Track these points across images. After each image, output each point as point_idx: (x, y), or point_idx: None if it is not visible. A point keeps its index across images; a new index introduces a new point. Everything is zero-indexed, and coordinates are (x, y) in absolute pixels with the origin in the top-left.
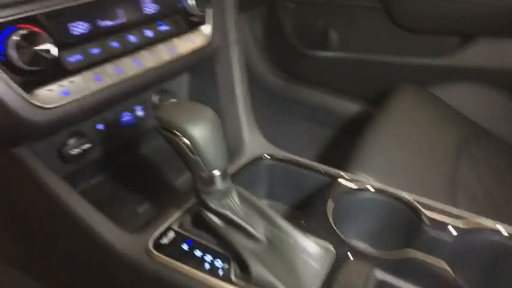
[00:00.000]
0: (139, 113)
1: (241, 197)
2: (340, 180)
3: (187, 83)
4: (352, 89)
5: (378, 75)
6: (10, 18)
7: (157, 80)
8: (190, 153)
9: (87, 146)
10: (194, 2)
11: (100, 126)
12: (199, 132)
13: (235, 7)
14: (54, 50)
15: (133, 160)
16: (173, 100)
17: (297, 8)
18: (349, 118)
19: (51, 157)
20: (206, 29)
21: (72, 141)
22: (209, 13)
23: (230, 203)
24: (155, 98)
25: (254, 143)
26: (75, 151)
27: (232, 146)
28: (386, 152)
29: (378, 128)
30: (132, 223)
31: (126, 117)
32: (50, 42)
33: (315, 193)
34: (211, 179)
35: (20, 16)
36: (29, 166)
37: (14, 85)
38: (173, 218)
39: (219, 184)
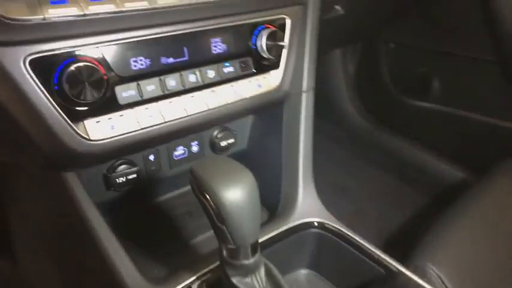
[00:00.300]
0: (195, 148)
1: (268, 274)
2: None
3: (250, 124)
4: (450, 149)
5: (483, 140)
6: (70, 50)
7: (216, 122)
8: (217, 221)
9: (133, 176)
10: (267, 45)
11: (151, 157)
12: (230, 199)
13: (314, 54)
14: (108, 84)
15: (173, 197)
16: (213, 155)
17: (396, 50)
18: (439, 182)
19: (96, 180)
20: (277, 74)
21: (120, 168)
22: (283, 58)
23: (255, 282)
24: (214, 135)
25: (307, 205)
26: (121, 179)
27: (282, 203)
28: (468, 242)
29: (467, 207)
30: (154, 270)
31: (180, 151)
32: (105, 76)
33: (367, 283)
34: (237, 252)
35: (80, 48)
36: (69, 189)
37: (63, 114)
38: (195, 277)
39: (246, 259)
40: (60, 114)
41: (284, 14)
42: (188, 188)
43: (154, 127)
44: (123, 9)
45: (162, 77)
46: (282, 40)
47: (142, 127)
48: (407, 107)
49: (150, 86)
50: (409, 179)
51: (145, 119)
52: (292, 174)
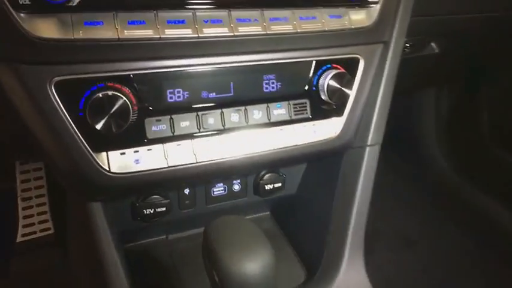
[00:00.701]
0: (236, 186)
1: None
2: None
3: (303, 168)
4: None
5: None
6: (99, 75)
7: (258, 168)
8: None
9: (162, 209)
10: (330, 89)
11: (186, 191)
12: (238, 280)
13: (387, 103)
14: (137, 115)
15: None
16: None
17: (501, 95)
18: None
19: (123, 207)
20: (338, 122)
21: (151, 198)
22: (348, 104)
23: None
24: (259, 175)
25: (351, 277)
26: (149, 211)
27: (322, 267)
28: None
29: None
30: None
31: (219, 188)
32: (135, 107)
33: None
34: None
35: (110, 74)
36: (90, 217)
37: (84, 143)
38: None
39: None
40: (82, 142)
41: (357, 54)
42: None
43: (185, 166)
44: (164, 35)
45: (200, 113)
46: (350, 85)
47: (171, 165)
48: (505, 164)
49: (185, 122)
50: (494, 246)
51: (176, 157)
52: (340, 235)
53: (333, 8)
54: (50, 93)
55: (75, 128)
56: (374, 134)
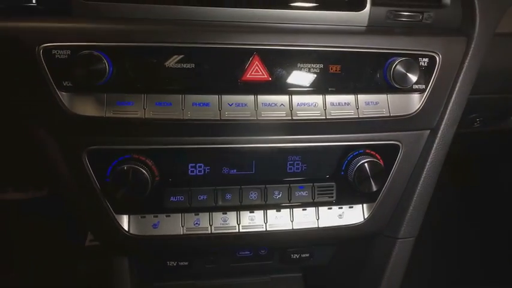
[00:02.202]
0: (262, 250)
1: None
2: None
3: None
4: None
5: None
6: (127, 147)
7: (274, 245)
8: None
9: (184, 263)
10: (363, 176)
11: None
12: None
13: (427, 197)
14: (158, 185)
15: None
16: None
17: None
18: None
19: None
20: (367, 208)
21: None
22: (382, 193)
23: None
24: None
25: None
26: (171, 263)
27: None
28: None
29: None
30: None
31: (244, 251)
32: (156, 178)
33: None
34: None
35: (138, 147)
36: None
37: (108, 205)
38: None
39: None
40: (106, 203)
41: (397, 140)
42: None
43: (200, 236)
44: (188, 117)
45: (218, 188)
46: (381, 176)
47: (187, 233)
48: None
49: (202, 196)
50: None
51: (192, 226)
52: None
53: (370, 93)
54: (82, 160)
55: (101, 191)
56: (408, 226)
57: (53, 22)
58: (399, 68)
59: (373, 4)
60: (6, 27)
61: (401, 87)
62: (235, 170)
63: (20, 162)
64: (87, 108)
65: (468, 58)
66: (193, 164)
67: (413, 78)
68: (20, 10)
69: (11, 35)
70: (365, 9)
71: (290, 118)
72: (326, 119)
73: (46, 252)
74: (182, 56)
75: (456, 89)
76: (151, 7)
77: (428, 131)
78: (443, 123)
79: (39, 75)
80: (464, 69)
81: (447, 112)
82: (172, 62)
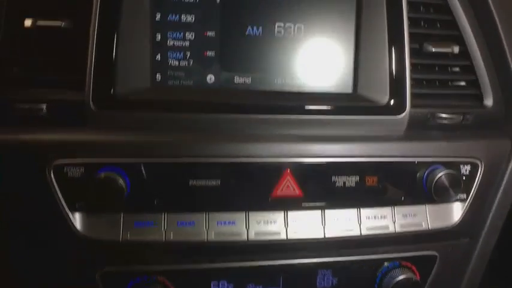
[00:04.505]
0: None
1: None
2: None
3: None
4: None
5: None
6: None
7: None
8: None
9: None
10: None
11: None
12: None
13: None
14: None
15: None
16: None
17: None
18: None
19: None
20: None
21: None
22: None
23: None
24: None
25: None
26: None
27: None
28: None
29: None
30: None
31: None
32: None
33: None
34: None
35: (155, 270)
36: None
37: None
38: None
39: None
40: None
41: (433, 251)
42: None
43: None
44: (211, 239)
45: None
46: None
47: None
48: None
49: None
50: None
51: None
52: None
53: (407, 205)
54: (96, 282)
55: None
56: None
57: (65, 135)
58: (441, 182)
59: (412, 106)
60: (13, 141)
61: (441, 201)
62: (261, 286)
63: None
64: (101, 230)
65: None
66: (216, 282)
67: (455, 193)
68: (30, 120)
69: (19, 150)
70: (404, 113)
71: (322, 237)
72: (361, 235)
73: None
74: (207, 171)
75: (499, 194)
76: (173, 116)
77: (467, 239)
78: (485, 230)
79: (50, 195)
80: (507, 174)
81: (489, 219)
82: (196, 178)
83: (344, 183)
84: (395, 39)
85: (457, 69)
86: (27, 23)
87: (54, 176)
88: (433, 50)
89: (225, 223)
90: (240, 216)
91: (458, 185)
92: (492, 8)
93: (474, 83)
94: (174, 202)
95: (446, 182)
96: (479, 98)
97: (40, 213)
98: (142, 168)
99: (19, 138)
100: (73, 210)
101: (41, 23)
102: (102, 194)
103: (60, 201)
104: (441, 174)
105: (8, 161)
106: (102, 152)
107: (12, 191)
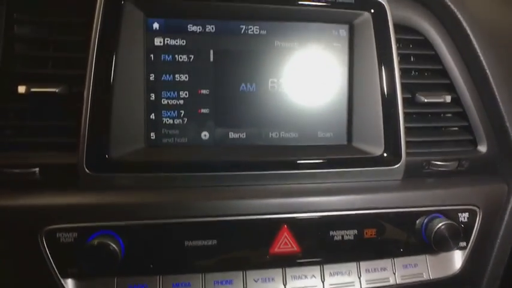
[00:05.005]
0: None
1: None
2: None
3: None
4: None
5: None
6: None
7: None
8: None
9: None
10: None
11: None
12: None
13: None
14: None
15: None
16: None
17: None
18: None
19: None
20: None
21: None
22: None
23: None
24: None
25: None
26: None
27: None
28: None
29: None
30: None
31: None
32: None
33: None
34: None
35: None
36: None
37: None
38: None
39: None
40: None
41: None
42: None
43: None
44: None
45: None
46: None
47: None
48: None
49: None
50: None
51: None
52: None
53: (408, 255)
54: None
55: None
56: None
57: (57, 199)
58: (440, 232)
59: (407, 154)
60: (5, 207)
61: (441, 251)
62: None
63: None
64: None
65: (510, 206)
66: None
67: (455, 244)
68: (22, 184)
69: (10, 215)
70: (400, 163)
71: None
72: None
73: None
74: (203, 231)
75: (498, 239)
76: (168, 176)
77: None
78: (486, 277)
79: (41, 261)
80: (506, 218)
81: (490, 265)
82: (192, 238)
83: (342, 236)
84: (388, 91)
85: (449, 115)
86: (21, 89)
87: (46, 241)
88: (425, 100)
89: (222, 283)
90: (237, 275)
91: (458, 235)
92: (481, 56)
93: (467, 129)
94: (169, 264)
95: (446, 233)
96: (474, 143)
97: (31, 280)
98: (137, 230)
99: (10, 204)
100: (65, 276)
101: (35, 89)
102: (95, 260)
103: (52, 268)
104: (440, 224)
105: None
106: (96, 216)
107: (3, 256)
